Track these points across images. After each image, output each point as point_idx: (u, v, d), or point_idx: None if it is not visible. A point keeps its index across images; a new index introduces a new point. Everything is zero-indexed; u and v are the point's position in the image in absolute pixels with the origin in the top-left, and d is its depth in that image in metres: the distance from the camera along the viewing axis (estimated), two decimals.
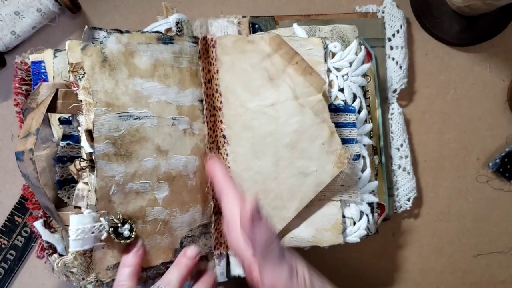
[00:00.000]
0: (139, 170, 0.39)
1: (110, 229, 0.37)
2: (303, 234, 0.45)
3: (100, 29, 0.38)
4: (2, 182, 0.51)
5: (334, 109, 0.45)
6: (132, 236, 0.38)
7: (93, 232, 0.36)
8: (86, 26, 0.37)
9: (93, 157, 0.37)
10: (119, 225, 0.38)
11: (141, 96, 0.40)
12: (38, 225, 0.43)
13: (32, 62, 0.46)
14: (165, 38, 0.41)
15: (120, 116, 0.38)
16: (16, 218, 0.50)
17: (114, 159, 0.38)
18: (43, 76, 0.45)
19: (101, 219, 0.37)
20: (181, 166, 0.42)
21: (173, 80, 0.42)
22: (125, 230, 0.38)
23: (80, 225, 0.35)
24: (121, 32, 0.39)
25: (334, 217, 0.44)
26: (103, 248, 0.37)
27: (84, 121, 0.38)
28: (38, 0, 0.47)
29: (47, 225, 0.44)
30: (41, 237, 0.44)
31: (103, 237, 0.37)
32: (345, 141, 0.45)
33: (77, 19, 0.52)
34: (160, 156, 0.40)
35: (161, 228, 0.41)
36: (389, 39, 0.53)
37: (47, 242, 0.44)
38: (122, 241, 0.38)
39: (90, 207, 0.38)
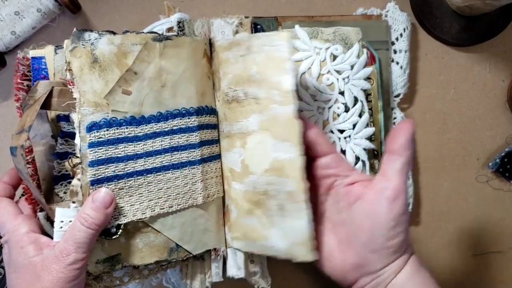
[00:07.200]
0: None
1: None
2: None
3: (91, 30, 0.39)
4: None
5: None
6: (118, 233, 0.38)
7: None
8: (74, 29, 0.38)
9: (79, 155, 0.37)
10: None
11: None
12: (41, 216, 0.43)
13: (32, 57, 0.45)
14: (162, 38, 0.41)
15: None
16: None
17: None
18: (43, 72, 0.45)
19: None
20: None
21: None
22: (112, 228, 0.38)
23: (64, 218, 0.37)
24: (113, 33, 0.39)
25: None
26: None
27: (77, 118, 0.38)
28: (38, 0, 0.47)
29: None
30: None
31: None
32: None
33: (77, 19, 0.52)
34: None
35: None
36: (393, 43, 0.52)
37: None
38: (107, 238, 0.38)
39: (78, 202, 0.38)
